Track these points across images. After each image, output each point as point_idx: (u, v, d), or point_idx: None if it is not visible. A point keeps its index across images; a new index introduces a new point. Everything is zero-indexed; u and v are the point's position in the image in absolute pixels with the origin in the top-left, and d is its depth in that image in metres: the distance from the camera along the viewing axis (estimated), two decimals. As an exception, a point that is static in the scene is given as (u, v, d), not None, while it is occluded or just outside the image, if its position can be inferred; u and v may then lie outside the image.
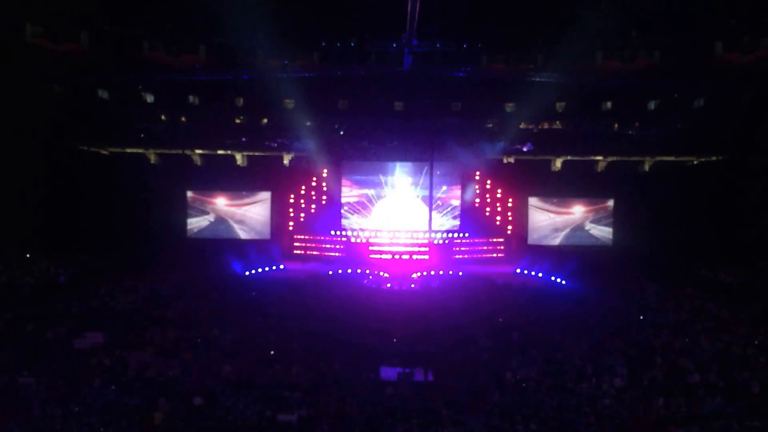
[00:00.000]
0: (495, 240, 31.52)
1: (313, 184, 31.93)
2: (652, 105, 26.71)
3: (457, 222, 31.86)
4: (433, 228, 30.96)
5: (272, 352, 16.72)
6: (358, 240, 30.66)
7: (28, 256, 25.31)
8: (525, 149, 29.32)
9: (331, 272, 27.85)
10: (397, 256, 30.06)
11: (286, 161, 31.05)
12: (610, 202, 31.24)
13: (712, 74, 23.32)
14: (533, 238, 31.70)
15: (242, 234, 31.48)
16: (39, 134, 23.60)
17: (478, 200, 31.96)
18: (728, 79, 23.23)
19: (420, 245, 30.38)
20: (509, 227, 31.92)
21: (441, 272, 28.18)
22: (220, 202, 31.34)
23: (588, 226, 31.56)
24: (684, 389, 14.75)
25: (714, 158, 28.43)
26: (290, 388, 14.39)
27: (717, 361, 16.58)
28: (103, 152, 28.92)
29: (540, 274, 28.74)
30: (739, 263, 25.39)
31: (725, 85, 23.93)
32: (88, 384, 14.07)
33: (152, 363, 15.89)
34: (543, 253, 30.39)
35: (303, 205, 31.76)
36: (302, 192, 31.69)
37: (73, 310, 20.65)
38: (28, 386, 14.03)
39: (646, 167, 30.67)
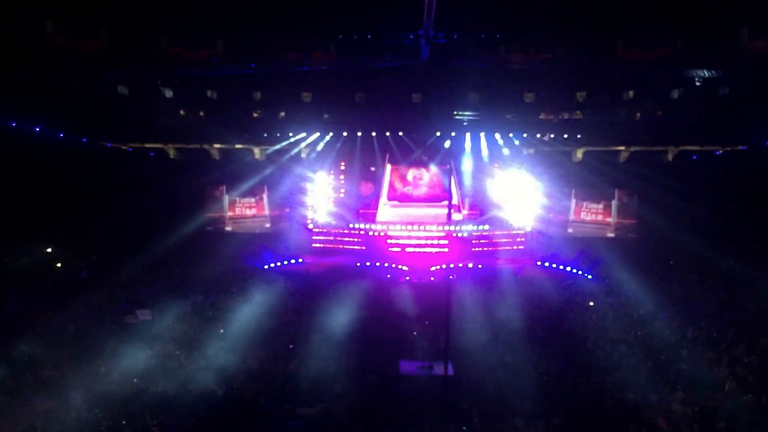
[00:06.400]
0: (515, 232, 31.21)
1: (332, 177, 31.98)
2: (675, 94, 26.09)
3: (476, 214, 31.71)
4: (452, 220, 30.80)
5: (291, 346, 16.79)
6: (377, 233, 30.57)
7: (49, 250, 25.65)
8: (545, 140, 29.01)
9: (349, 265, 27.85)
10: (416, 249, 29.95)
11: (303, 155, 31.08)
12: (634, 193, 30.78)
13: (737, 61, 22.73)
14: (554, 229, 31.30)
15: (261, 227, 31.54)
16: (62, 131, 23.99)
17: (497, 192, 31.70)
18: (754, 66, 22.63)
19: (439, 238, 30.21)
20: (530, 219, 31.60)
21: (460, 265, 28.03)
22: (239, 196, 31.47)
23: (610, 217, 31.15)
24: (709, 384, 14.59)
25: (739, 147, 27.88)
26: (311, 380, 14.45)
27: (744, 355, 16.35)
28: (123, 148, 29.21)
29: (562, 267, 28.45)
30: (765, 255, 24.87)
31: (751, 73, 23.31)
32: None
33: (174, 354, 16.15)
34: (564, 245, 30.07)
35: (321, 199, 31.77)
36: (320, 185, 31.69)
37: (94, 303, 20.99)
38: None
39: (670, 157, 30.16)
